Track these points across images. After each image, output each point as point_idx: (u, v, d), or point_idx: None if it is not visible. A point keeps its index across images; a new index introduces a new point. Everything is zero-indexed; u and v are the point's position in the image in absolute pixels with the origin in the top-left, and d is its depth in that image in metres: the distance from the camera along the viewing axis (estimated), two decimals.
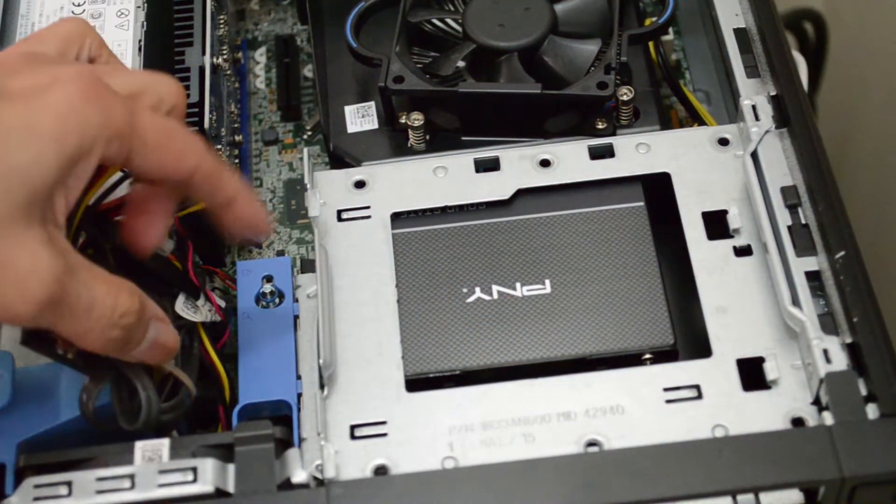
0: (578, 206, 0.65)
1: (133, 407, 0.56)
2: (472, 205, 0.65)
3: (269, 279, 0.64)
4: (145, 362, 0.56)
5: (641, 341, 0.60)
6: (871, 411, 0.55)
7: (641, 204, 0.65)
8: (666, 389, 0.58)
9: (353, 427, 0.58)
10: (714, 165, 0.65)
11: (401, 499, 0.54)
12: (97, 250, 0.58)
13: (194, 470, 0.55)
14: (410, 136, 0.70)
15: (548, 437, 0.57)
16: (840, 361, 0.56)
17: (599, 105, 0.69)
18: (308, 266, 0.64)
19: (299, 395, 0.60)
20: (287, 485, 0.56)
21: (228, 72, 0.77)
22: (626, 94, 0.68)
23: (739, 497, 0.55)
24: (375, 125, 0.72)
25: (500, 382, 0.59)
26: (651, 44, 0.74)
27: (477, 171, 0.66)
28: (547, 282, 0.62)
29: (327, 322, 0.60)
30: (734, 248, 0.62)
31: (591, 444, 0.57)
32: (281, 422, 0.58)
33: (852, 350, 0.56)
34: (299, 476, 0.56)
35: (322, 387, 0.59)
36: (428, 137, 0.70)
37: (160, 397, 0.57)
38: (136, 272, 0.57)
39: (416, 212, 0.65)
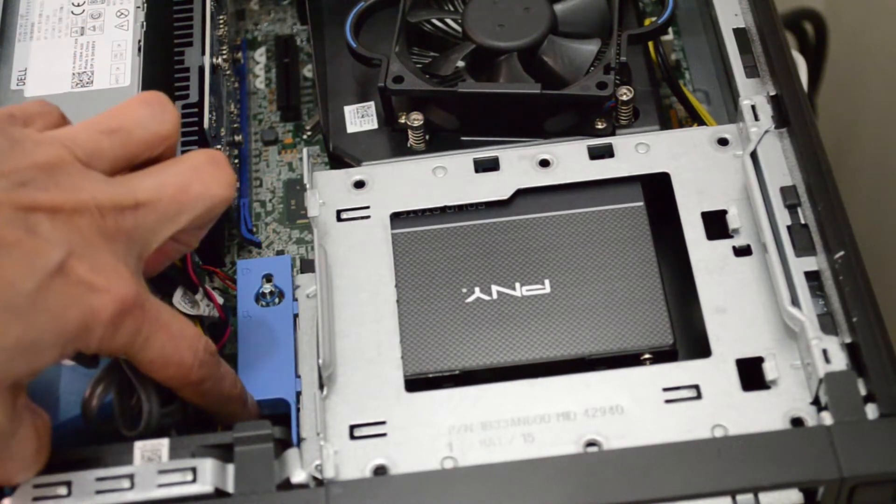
0: (578, 206, 0.65)
1: (133, 413, 0.57)
2: (471, 205, 0.65)
3: (268, 278, 0.64)
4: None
5: (641, 341, 0.60)
6: (871, 411, 0.55)
7: (641, 204, 0.65)
8: (665, 389, 0.58)
9: (352, 427, 0.58)
10: (713, 165, 0.65)
11: (400, 499, 0.54)
12: None
13: (194, 470, 0.55)
14: (410, 136, 0.70)
15: (547, 437, 0.57)
16: (839, 361, 0.56)
17: (599, 105, 0.69)
18: (308, 266, 0.64)
19: (298, 395, 0.60)
20: (286, 485, 0.56)
21: (228, 72, 0.77)
22: (625, 94, 0.68)
23: (739, 497, 0.55)
24: (375, 125, 0.72)
25: (499, 382, 0.59)
26: (651, 44, 0.74)
27: (476, 171, 0.66)
28: (546, 282, 0.62)
29: (327, 322, 0.60)
30: (733, 248, 0.62)
31: (591, 444, 0.57)
32: (280, 421, 0.58)
33: (851, 350, 0.56)
34: (298, 476, 0.56)
35: (321, 387, 0.59)
36: (427, 137, 0.70)
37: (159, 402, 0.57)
38: None
39: (415, 212, 0.65)
